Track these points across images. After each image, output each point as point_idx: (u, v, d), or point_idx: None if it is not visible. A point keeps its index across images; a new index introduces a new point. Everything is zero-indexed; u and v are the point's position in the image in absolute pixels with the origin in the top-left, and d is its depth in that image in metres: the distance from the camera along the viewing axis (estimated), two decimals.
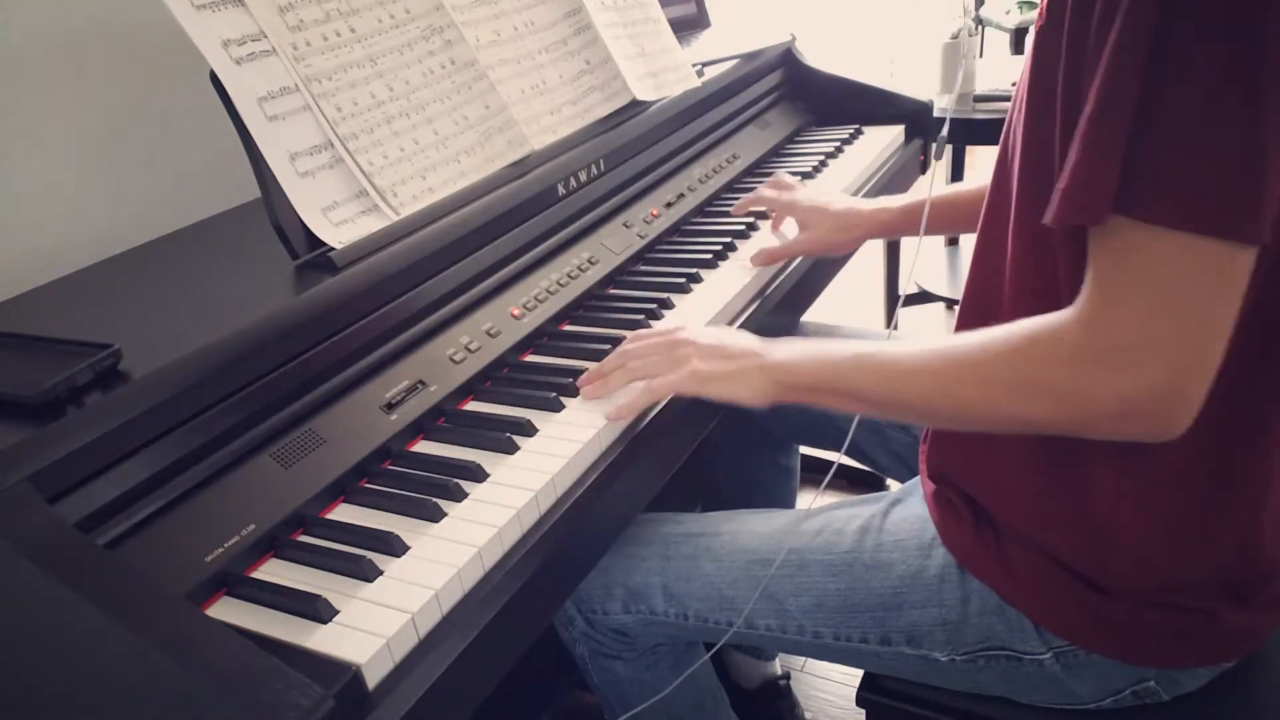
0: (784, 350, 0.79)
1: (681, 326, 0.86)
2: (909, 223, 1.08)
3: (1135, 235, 0.57)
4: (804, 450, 1.48)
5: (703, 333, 0.84)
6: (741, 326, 1.00)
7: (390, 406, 0.81)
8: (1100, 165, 0.56)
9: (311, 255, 0.84)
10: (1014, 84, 1.93)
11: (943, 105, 1.97)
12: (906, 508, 0.88)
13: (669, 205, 1.21)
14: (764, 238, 1.18)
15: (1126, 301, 0.58)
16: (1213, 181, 0.54)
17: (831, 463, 0.92)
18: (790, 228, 1.16)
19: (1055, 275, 0.68)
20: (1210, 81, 0.53)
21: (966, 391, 0.67)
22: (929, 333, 1.89)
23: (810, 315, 1.25)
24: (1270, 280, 0.61)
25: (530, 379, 0.90)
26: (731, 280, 1.07)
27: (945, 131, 0.93)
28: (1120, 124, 0.55)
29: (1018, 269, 0.72)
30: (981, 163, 3.41)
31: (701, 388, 0.80)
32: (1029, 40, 0.70)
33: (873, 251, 2.44)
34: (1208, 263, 0.56)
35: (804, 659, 1.56)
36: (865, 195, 1.35)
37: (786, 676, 1.46)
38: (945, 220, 1.04)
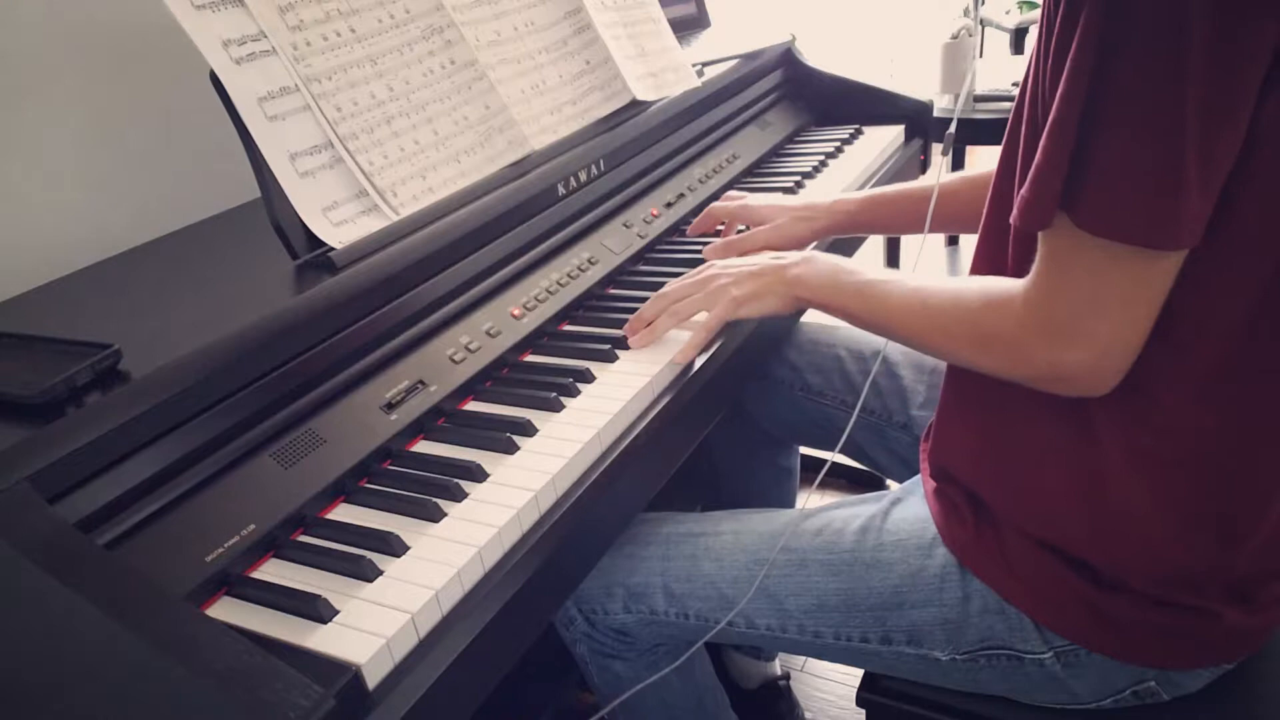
0: (806, 265, 0.88)
1: (709, 265, 0.94)
2: (870, 216, 1.09)
3: (1072, 236, 0.63)
4: (803, 450, 1.48)
5: (729, 262, 0.93)
6: (742, 326, 1.00)
7: (390, 406, 0.81)
8: (1049, 176, 0.62)
9: (311, 255, 0.84)
10: (1015, 84, 1.93)
11: (943, 105, 1.97)
12: (907, 507, 0.88)
13: (669, 205, 1.21)
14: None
15: (1061, 292, 0.66)
16: (1133, 195, 0.60)
17: (839, 465, 0.93)
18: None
19: None
20: (1137, 104, 0.58)
21: (937, 338, 0.78)
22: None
23: (810, 315, 1.25)
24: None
25: (530, 379, 0.90)
26: None
27: (952, 129, 0.92)
28: (1067, 139, 0.61)
29: (1019, 266, 0.73)
30: (982, 163, 3.40)
31: (740, 310, 0.90)
32: (1029, 42, 0.71)
33: (873, 251, 2.44)
34: (1129, 267, 0.62)
35: (804, 659, 1.56)
36: None
37: (786, 677, 1.46)
38: (936, 216, 1.04)
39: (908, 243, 2.30)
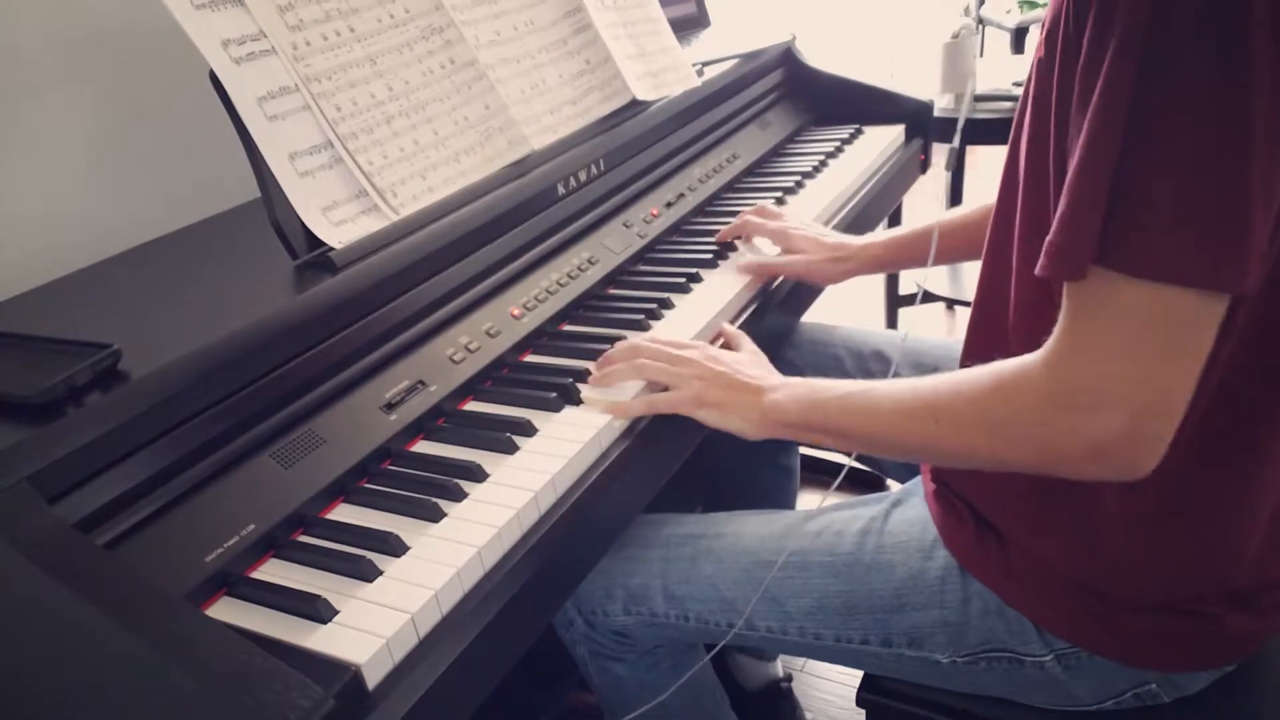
0: (784, 391, 0.82)
1: (694, 345, 0.88)
2: (897, 255, 1.10)
3: (1112, 285, 0.57)
4: (804, 451, 1.48)
5: (712, 356, 0.86)
6: (741, 327, 1.00)
7: (390, 406, 0.81)
8: (1086, 216, 0.57)
9: (311, 255, 0.84)
10: (1015, 84, 1.93)
11: (943, 105, 1.97)
12: (908, 509, 0.88)
13: (669, 205, 1.21)
14: (761, 242, 1.17)
15: (1094, 347, 0.59)
16: (1197, 234, 0.54)
17: (840, 465, 0.92)
18: (766, 245, 1.15)
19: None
20: (1193, 135, 0.53)
21: (943, 434, 0.69)
22: (929, 333, 1.89)
23: (810, 315, 1.25)
24: (1272, 306, 0.61)
25: (530, 379, 0.90)
26: (732, 280, 1.06)
27: (956, 142, 0.92)
28: (1103, 177, 0.56)
29: (1020, 279, 0.72)
30: (981, 162, 3.41)
31: (698, 412, 0.83)
32: (1030, 41, 0.70)
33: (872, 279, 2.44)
34: (1182, 313, 0.57)
35: (804, 659, 1.56)
36: (865, 195, 1.36)
37: (789, 679, 1.45)
38: (944, 249, 1.05)
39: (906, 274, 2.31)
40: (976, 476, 0.80)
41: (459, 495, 0.74)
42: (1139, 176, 0.55)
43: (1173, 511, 0.70)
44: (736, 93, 1.43)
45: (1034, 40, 0.68)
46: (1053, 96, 0.63)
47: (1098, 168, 0.56)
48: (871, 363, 1.15)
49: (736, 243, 1.15)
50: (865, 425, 0.76)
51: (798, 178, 1.35)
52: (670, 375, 0.84)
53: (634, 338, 0.89)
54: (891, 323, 2.42)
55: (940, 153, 1.63)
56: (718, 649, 0.93)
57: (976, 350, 0.79)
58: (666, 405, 0.83)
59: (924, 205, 2.47)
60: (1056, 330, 0.62)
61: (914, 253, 1.08)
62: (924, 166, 1.57)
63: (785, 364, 1.20)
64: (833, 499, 0.93)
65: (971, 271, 2.46)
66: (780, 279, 1.11)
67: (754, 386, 0.83)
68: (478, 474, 0.76)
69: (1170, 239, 0.55)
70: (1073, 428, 0.61)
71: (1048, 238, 0.60)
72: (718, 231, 1.18)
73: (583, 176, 1.09)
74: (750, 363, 0.88)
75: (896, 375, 1.11)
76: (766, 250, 1.15)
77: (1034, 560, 0.76)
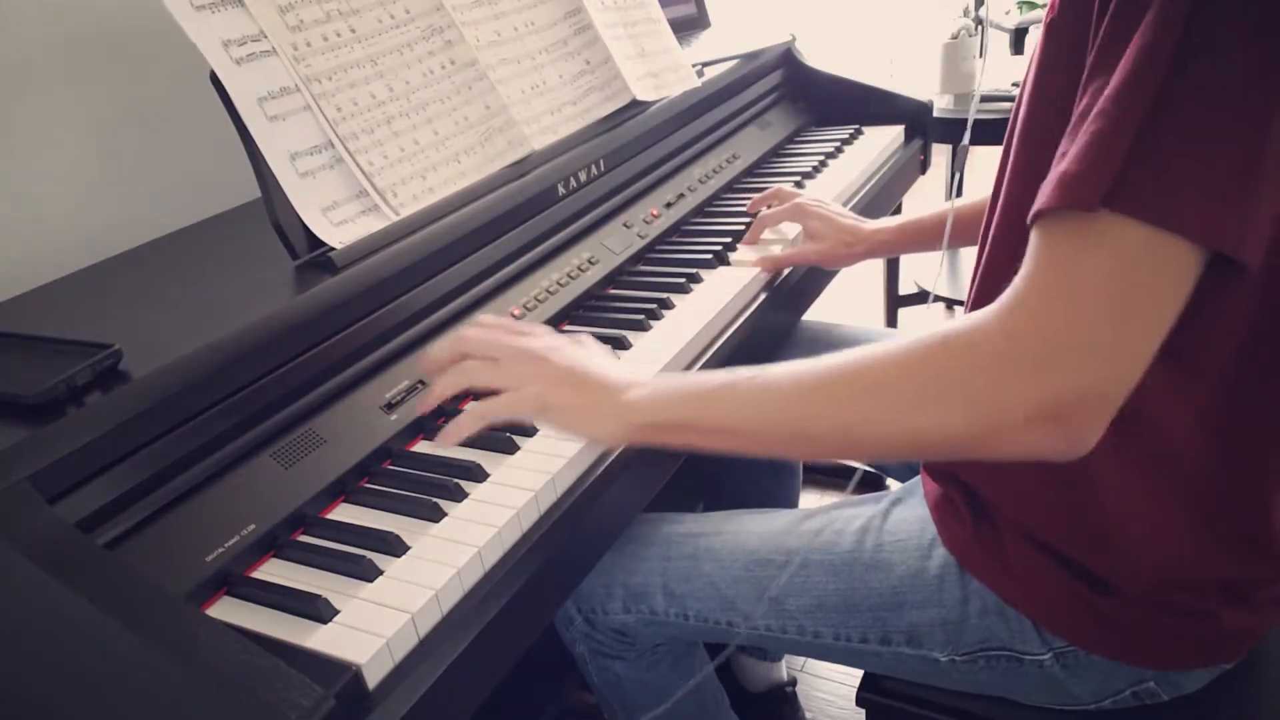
0: (645, 387, 0.70)
1: (536, 331, 0.75)
2: (905, 241, 1.11)
3: (1107, 227, 0.55)
4: None
5: (559, 348, 0.73)
6: (742, 326, 1.00)
7: (390, 406, 0.81)
8: (1105, 156, 0.55)
9: (311, 255, 0.84)
10: (1015, 84, 1.93)
11: (943, 105, 1.97)
12: (907, 508, 0.88)
13: (669, 205, 1.21)
14: (766, 237, 1.17)
15: (1069, 294, 0.55)
16: (1205, 187, 0.53)
17: (851, 467, 0.92)
18: (789, 230, 1.16)
19: None
20: (1226, 96, 0.53)
21: (861, 405, 0.62)
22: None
23: (810, 315, 1.25)
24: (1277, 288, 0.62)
25: None
26: (731, 280, 1.06)
27: (966, 140, 0.92)
28: (1130, 121, 0.54)
29: (989, 269, 0.72)
30: (981, 162, 3.40)
31: (542, 416, 0.71)
32: (1036, 36, 0.69)
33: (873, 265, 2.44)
34: (1171, 265, 0.54)
35: (804, 659, 1.56)
36: (865, 195, 1.36)
37: (793, 683, 1.45)
38: (957, 234, 1.05)
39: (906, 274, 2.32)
40: (976, 464, 0.79)
41: (459, 495, 0.74)
42: (1166, 124, 0.53)
43: (1185, 483, 0.70)
44: (736, 93, 1.44)
45: (1034, 41, 0.68)
46: (1055, 87, 0.62)
47: (1130, 106, 0.54)
48: None
49: (740, 248, 1.15)
50: (760, 413, 0.65)
51: (797, 178, 1.35)
52: (502, 376, 0.71)
53: (459, 329, 0.73)
54: (891, 322, 2.42)
55: (940, 153, 1.63)
56: (725, 655, 0.92)
57: None
58: (504, 410, 0.70)
59: (924, 205, 2.47)
60: (1020, 281, 0.57)
61: (925, 237, 1.09)
62: (924, 167, 1.57)
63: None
64: (820, 496, 0.93)
65: (972, 272, 2.47)
66: (786, 273, 1.11)
67: (610, 382, 0.70)
68: (478, 474, 0.76)
69: (1180, 185, 0.53)
70: (1027, 385, 0.56)
71: (1060, 168, 0.57)
72: (718, 232, 1.18)
73: (583, 177, 1.09)
74: (601, 354, 0.75)
75: None
76: (788, 234, 1.16)
77: (1033, 556, 0.76)
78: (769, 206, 1.18)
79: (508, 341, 0.73)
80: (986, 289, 0.77)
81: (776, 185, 1.22)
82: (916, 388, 0.60)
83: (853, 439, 0.64)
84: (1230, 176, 0.53)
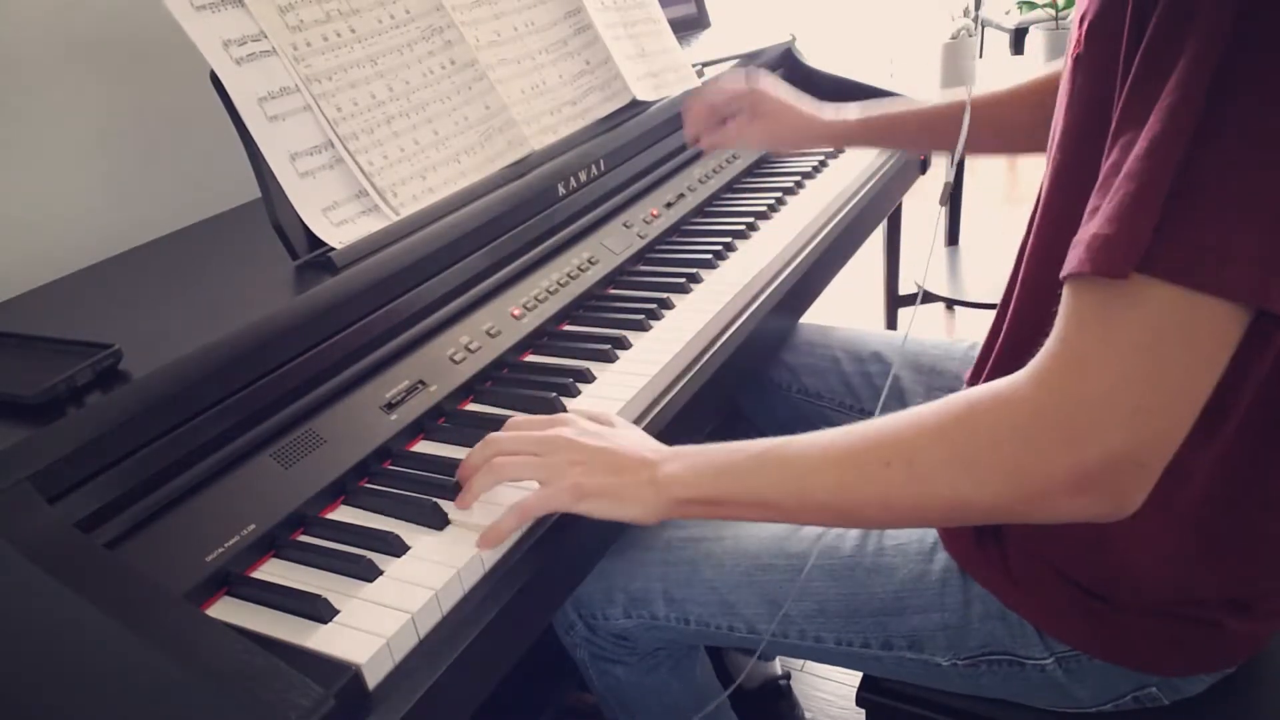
0: (680, 460, 0.69)
1: (564, 420, 0.74)
2: (868, 133, 1.09)
3: (1144, 290, 0.52)
4: None
5: (586, 430, 0.73)
6: (741, 327, 1.00)
7: (390, 406, 0.81)
8: (1137, 219, 0.52)
9: (311, 255, 0.84)
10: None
11: None
12: None
13: (669, 205, 1.21)
14: (765, 237, 1.17)
15: (1106, 358, 0.53)
16: (1249, 246, 0.51)
17: None
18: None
19: None
20: (1259, 151, 0.51)
21: (891, 475, 0.60)
22: (928, 333, 1.88)
23: (810, 315, 1.25)
24: None
25: (530, 379, 0.90)
26: (731, 281, 1.06)
27: (963, 140, 0.92)
28: (1162, 181, 0.52)
29: (1026, 291, 0.71)
30: (981, 162, 3.41)
31: (581, 504, 0.70)
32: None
33: (873, 251, 2.43)
34: (1214, 328, 0.52)
35: (803, 660, 1.56)
36: (865, 195, 1.35)
37: (787, 677, 1.45)
38: (925, 133, 1.03)
39: (908, 243, 2.30)
40: None
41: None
42: (1198, 182, 0.52)
43: (1178, 525, 0.69)
44: None
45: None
46: (1102, 88, 0.59)
47: (1158, 166, 0.52)
48: (870, 364, 1.15)
49: (740, 244, 1.15)
50: (790, 484, 0.65)
51: (797, 178, 1.35)
52: (537, 469, 0.70)
53: (490, 436, 0.74)
54: (891, 323, 2.42)
55: (940, 153, 1.63)
56: (734, 686, 0.91)
57: (1004, 363, 0.74)
58: (542, 504, 0.70)
59: (924, 205, 2.47)
60: (1053, 344, 0.56)
61: (892, 132, 1.05)
62: (923, 167, 1.57)
63: (782, 367, 1.20)
64: None
65: (972, 271, 2.46)
66: (779, 279, 1.11)
67: (642, 460, 0.70)
68: None
69: (1219, 249, 0.51)
70: (1064, 454, 0.54)
71: (1090, 230, 0.55)
72: (718, 232, 1.18)
73: (583, 177, 1.09)
74: (628, 433, 0.74)
75: (896, 376, 1.11)
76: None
77: (1035, 563, 0.76)
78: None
79: (538, 435, 0.72)
80: (1016, 341, 0.73)
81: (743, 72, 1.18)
82: (945, 458, 0.59)
83: (892, 510, 0.63)
84: (1268, 233, 0.51)
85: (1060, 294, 0.57)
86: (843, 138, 1.10)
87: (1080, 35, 0.63)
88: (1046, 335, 0.57)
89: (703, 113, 1.18)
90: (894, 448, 0.61)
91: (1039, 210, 0.71)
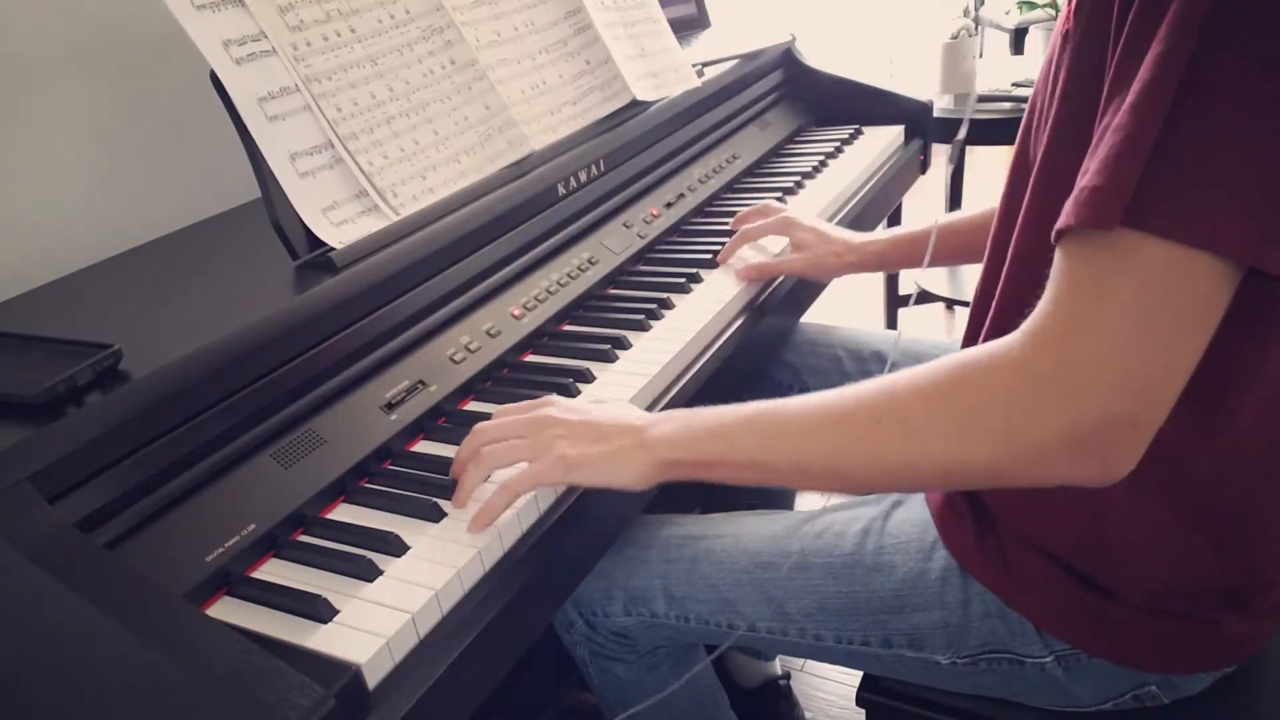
0: (667, 424, 0.70)
1: (548, 401, 0.75)
2: (898, 254, 1.10)
3: (1134, 246, 0.53)
4: None
5: (570, 407, 0.74)
6: (740, 328, 1.00)
7: (390, 406, 0.81)
8: (1122, 171, 0.53)
9: (311, 255, 0.84)
10: (1015, 84, 1.92)
11: (943, 105, 1.97)
12: (908, 510, 0.88)
13: (669, 205, 1.21)
14: (765, 241, 1.17)
15: (1099, 317, 0.53)
16: (1238, 198, 0.51)
17: None
18: (773, 244, 1.15)
19: None
20: (1245, 103, 0.51)
21: (884, 438, 0.60)
22: (928, 333, 1.88)
23: (810, 315, 1.25)
24: None
25: (530, 379, 0.90)
26: (731, 281, 1.07)
27: (962, 133, 0.92)
28: (1148, 134, 0.52)
29: (1013, 273, 0.72)
30: (980, 162, 3.40)
31: (570, 475, 0.70)
32: (1054, 45, 0.68)
33: (874, 280, 2.44)
34: (1202, 284, 0.53)
35: (803, 658, 1.56)
36: (865, 195, 1.36)
37: (787, 676, 1.46)
38: (945, 250, 1.05)
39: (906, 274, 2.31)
40: None
41: None
42: (1181, 134, 0.52)
43: (1177, 516, 0.69)
44: (736, 93, 1.44)
45: (1034, 41, 0.68)
46: (1079, 102, 0.60)
47: (1148, 117, 0.52)
48: (871, 363, 1.15)
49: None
50: (783, 444, 0.65)
51: (797, 178, 1.35)
52: (523, 449, 0.71)
53: (477, 426, 0.75)
54: (891, 323, 2.42)
55: (940, 153, 1.63)
56: (720, 651, 0.92)
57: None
58: (530, 480, 0.70)
59: (924, 205, 2.47)
60: (1046, 305, 0.56)
61: (915, 251, 1.08)
62: (924, 167, 1.57)
63: (783, 365, 1.21)
64: (822, 498, 0.92)
65: (972, 271, 2.47)
66: (781, 278, 1.11)
67: (628, 426, 0.70)
68: None
69: (1203, 202, 0.51)
70: (1056, 415, 0.54)
71: (1082, 183, 0.55)
72: (718, 232, 1.18)
73: (583, 177, 1.09)
74: (613, 407, 0.75)
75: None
76: (771, 249, 1.15)
77: (1034, 560, 0.76)
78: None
79: (523, 419, 0.73)
80: (1009, 309, 0.74)
81: (762, 201, 1.19)
82: (939, 420, 0.59)
83: (885, 472, 0.63)
84: (1255, 186, 0.51)
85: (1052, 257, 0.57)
86: (877, 259, 1.10)
87: (1070, 10, 0.64)
88: (1038, 298, 0.57)
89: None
90: (887, 407, 0.61)
91: (1024, 180, 0.71)
